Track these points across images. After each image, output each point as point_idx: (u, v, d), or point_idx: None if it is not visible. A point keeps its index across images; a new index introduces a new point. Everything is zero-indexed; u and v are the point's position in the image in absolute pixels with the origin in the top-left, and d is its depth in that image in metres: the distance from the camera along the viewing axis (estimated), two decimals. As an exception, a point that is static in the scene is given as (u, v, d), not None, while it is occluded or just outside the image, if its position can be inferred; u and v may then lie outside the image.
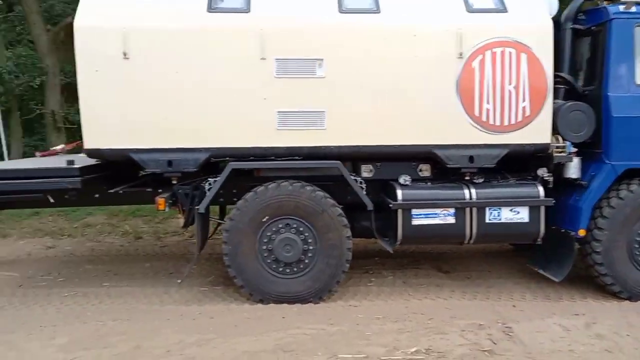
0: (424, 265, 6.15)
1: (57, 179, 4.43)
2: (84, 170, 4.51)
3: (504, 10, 4.60)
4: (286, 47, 4.49)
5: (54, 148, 6.57)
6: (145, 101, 4.48)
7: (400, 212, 4.69)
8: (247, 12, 4.53)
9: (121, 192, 5.02)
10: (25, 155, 13.51)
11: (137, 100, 4.47)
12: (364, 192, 4.72)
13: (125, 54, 4.39)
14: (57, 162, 4.80)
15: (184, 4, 4.54)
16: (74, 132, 13.93)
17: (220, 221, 6.20)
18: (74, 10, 12.84)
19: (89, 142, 4.50)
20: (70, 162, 4.53)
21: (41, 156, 6.25)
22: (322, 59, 4.50)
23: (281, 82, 4.52)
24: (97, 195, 4.93)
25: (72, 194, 4.64)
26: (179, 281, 4.87)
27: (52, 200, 4.62)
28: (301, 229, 4.68)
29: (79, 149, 7.00)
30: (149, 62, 4.44)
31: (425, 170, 5.00)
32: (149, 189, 5.03)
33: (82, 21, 4.39)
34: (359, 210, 4.89)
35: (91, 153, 4.54)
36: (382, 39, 4.52)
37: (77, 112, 13.25)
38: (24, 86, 11.58)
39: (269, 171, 4.75)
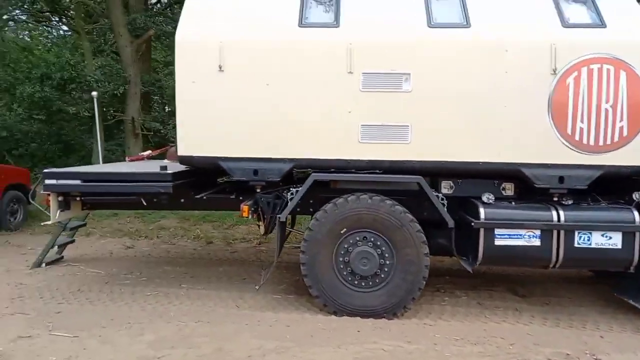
0: (498, 287, 5.93)
1: (151, 183, 4.68)
2: (176, 175, 4.74)
3: (602, 25, 4.41)
4: (373, 62, 4.54)
5: (142, 154, 6.96)
6: (236, 112, 4.67)
7: (482, 231, 4.56)
8: (336, 27, 4.63)
9: (205, 198, 5.23)
10: (106, 159, 14.46)
11: (229, 111, 4.67)
12: (445, 209, 4.63)
13: (220, 67, 4.60)
14: (151, 167, 5.07)
15: (276, 19, 4.71)
16: (149, 139, 14.78)
17: (292, 230, 6.32)
18: (155, 23, 13.66)
19: (182, 149, 4.74)
20: (164, 168, 4.78)
21: (130, 161, 6.64)
22: (409, 74, 4.50)
23: (366, 96, 4.57)
24: (182, 200, 5.17)
25: (164, 197, 4.89)
26: (256, 287, 4.98)
27: (144, 203, 4.89)
28: (378, 242, 4.66)
29: (163, 155, 7.40)
30: (241, 75, 4.64)
31: (508, 189, 4.85)
32: (231, 197, 5.21)
33: (182, 35, 4.66)
34: (432, 227, 4.81)
35: (183, 160, 4.77)
36: (472, 54, 4.47)
37: (153, 119, 14.02)
38: (109, 94, 12.37)
39: (349, 183, 4.79)
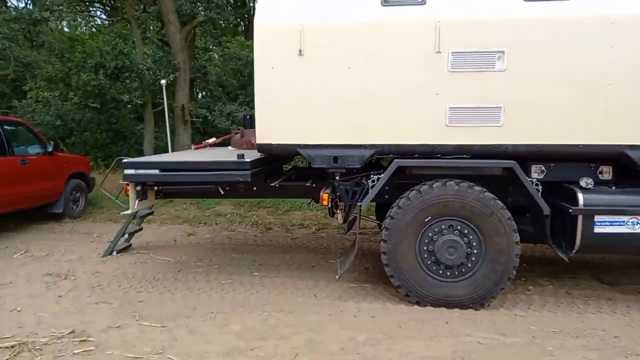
0: (582, 274, 5.62)
1: (230, 171, 4.59)
2: (253, 163, 4.63)
3: None
4: (464, 40, 4.25)
5: (207, 141, 6.91)
6: (316, 98, 4.50)
7: (580, 218, 4.27)
8: (422, 5, 4.36)
9: (277, 185, 5.13)
10: (155, 146, 14.67)
11: (309, 97, 4.51)
12: (540, 195, 4.35)
13: (300, 51, 4.43)
14: (226, 155, 5.00)
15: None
16: (197, 125, 14.88)
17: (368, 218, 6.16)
18: (202, 9, 13.59)
19: (260, 137, 4.61)
20: (241, 156, 4.68)
21: (195, 148, 6.61)
22: (503, 51, 4.20)
23: (456, 77, 4.30)
24: (255, 188, 5.07)
25: (241, 186, 4.81)
26: (336, 277, 4.86)
27: (222, 192, 4.82)
28: (465, 231, 4.44)
29: (226, 142, 7.35)
30: (322, 59, 4.44)
31: (606, 172, 4.52)
32: (306, 184, 5.09)
33: (261, 19, 4.50)
34: (515, 214, 4.55)
35: (262, 147, 4.66)
36: (573, 28, 4.12)
37: (201, 106, 14.06)
38: (159, 81, 12.42)
39: (429, 169, 4.56)
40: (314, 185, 5.14)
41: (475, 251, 4.44)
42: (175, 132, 13.62)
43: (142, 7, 13.88)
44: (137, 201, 4.92)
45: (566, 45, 4.11)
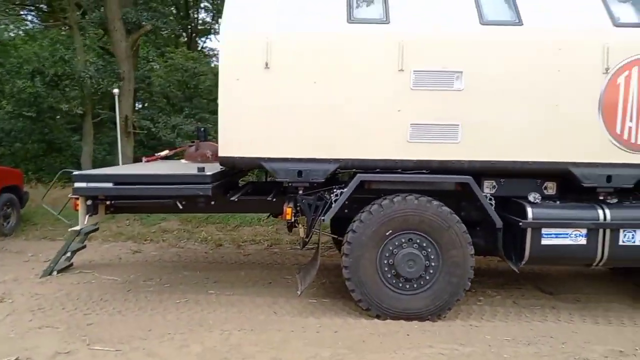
0: (526, 285, 5.94)
1: (190, 185, 4.45)
2: (214, 177, 4.52)
3: (651, 24, 4.43)
4: (425, 59, 4.43)
5: (159, 154, 6.66)
6: (281, 111, 4.49)
7: (529, 231, 4.52)
8: (386, 23, 4.50)
9: (236, 200, 5.03)
10: (94, 159, 13.94)
11: (274, 110, 4.49)
12: (493, 210, 4.57)
13: (266, 64, 4.41)
14: (185, 168, 4.84)
15: (324, 15, 4.54)
16: (140, 137, 14.32)
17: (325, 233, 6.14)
18: (148, 18, 13.19)
19: (223, 150, 4.52)
20: (201, 169, 4.55)
21: (147, 161, 6.34)
22: (461, 72, 4.42)
23: (417, 94, 4.46)
24: (213, 202, 4.94)
25: (201, 200, 4.66)
26: (298, 293, 4.80)
27: (180, 207, 4.65)
28: (424, 244, 4.57)
29: (177, 156, 7.13)
30: (288, 72, 4.46)
31: (550, 188, 4.82)
32: (267, 198, 5.03)
33: (228, 29, 4.45)
34: (468, 228, 4.73)
35: (224, 160, 4.56)
36: (525, 52, 4.41)
37: (144, 118, 13.56)
38: (102, 91, 11.90)
39: (387, 184, 4.67)
40: (274, 199, 5.09)
41: (433, 264, 4.57)
42: (116, 143, 13.06)
43: (82, 12, 13.27)
44: (87, 216, 4.64)
45: (518, 68, 4.39)
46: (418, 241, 4.57)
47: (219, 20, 24.28)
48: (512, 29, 4.41)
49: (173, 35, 21.37)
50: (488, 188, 4.82)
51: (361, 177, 4.55)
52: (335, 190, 4.66)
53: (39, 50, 11.11)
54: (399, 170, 4.63)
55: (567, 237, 4.52)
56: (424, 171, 4.63)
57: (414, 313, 4.58)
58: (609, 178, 4.47)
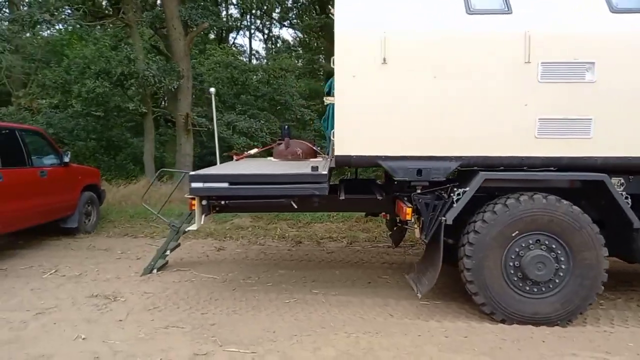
0: (638, 286, 5.63)
1: (306, 185, 4.36)
2: (328, 176, 4.41)
3: None
4: (553, 51, 4.18)
5: (249, 152, 6.62)
6: (399, 107, 4.34)
7: (667, 232, 4.25)
8: (509, 14, 4.27)
9: (345, 198, 4.91)
10: (157, 156, 14.14)
11: (392, 107, 4.34)
12: (630, 209, 4.30)
13: (384, 60, 4.26)
14: (301, 168, 4.75)
15: (442, 6, 4.35)
16: (199, 134, 14.44)
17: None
18: (199, 16, 13.19)
19: (340, 149, 4.40)
20: (315, 168, 4.45)
21: (237, 159, 6.30)
22: (592, 63, 4.16)
23: (545, 88, 4.23)
24: (325, 201, 4.83)
25: (315, 199, 4.57)
26: (419, 295, 4.64)
27: (295, 206, 4.56)
28: (553, 245, 4.34)
29: (267, 153, 7.08)
30: (406, 68, 4.29)
31: (682, 186, 4.52)
32: (378, 197, 4.89)
33: (343, 26, 4.31)
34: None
35: (340, 160, 4.44)
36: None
37: (200, 115, 13.64)
38: (164, 89, 12.01)
39: (520, 182, 4.45)
40: (380, 198, 4.96)
41: (563, 266, 4.34)
42: (177, 141, 13.19)
43: (141, 11, 13.41)
44: (203, 216, 4.61)
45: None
46: (547, 242, 4.35)
47: (248, 17, 24.28)
48: (644, 16, 4.12)
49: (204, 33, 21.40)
50: (616, 186, 4.54)
51: (486, 176, 4.35)
52: (456, 189, 4.47)
53: (98, 50, 11.22)
54: (525, 167, 4.41)
55: None
56: (552, 169, 4.39)
57: (543, 318, 4.37)
58: None
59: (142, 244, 7.88)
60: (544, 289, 4.38)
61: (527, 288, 4.39)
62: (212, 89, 5.64)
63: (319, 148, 6.55)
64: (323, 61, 23.46)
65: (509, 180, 4.46)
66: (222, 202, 4.68)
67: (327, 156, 6.35)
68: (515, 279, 4.39)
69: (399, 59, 4.28)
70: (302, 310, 4.77)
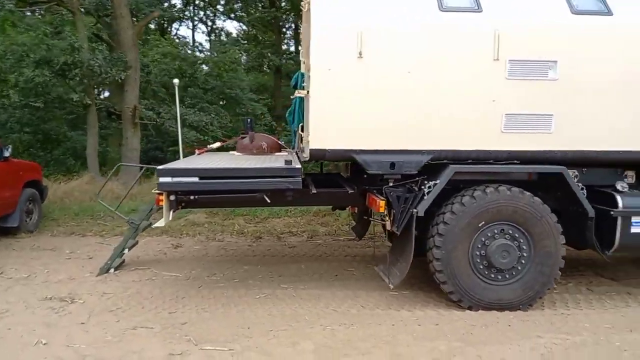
0: (585, 271, 6.03)
1: (280, 178, 4.30)
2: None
3: None
4: (520, 49, 4.38)
5: (211, 146, 6.42)
6: (374, 102, 4.38)
7: (619, 219, 4.58)
8: (479, 12, 4.42)
9: (316, 192, 4.90)
10: (99, 150, 13.40)
11: (367, 101, 4.38)
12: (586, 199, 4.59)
13: (360, 53, 4.27)
14: (274, 161, 4.67)
15: (416, 2, 4.43)
16: (145, 128, 13.83)
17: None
18: (150, 4, 12.65)
19: (314, 142, 4.38)
20: (288, 162, 4.40)
21: (199, 153, 6.09)
22: (555, 61, 4.39)
23: (512, 84, 4.43)
24: (297, 195, 4.78)
25: (289, 193, 4.51)
26: (391, 286, 4.70)
27: (268, 201, 4.48)
28: (516, 235, 4.56)
29: (227, 147, 6.90)
30: (381, 62, 4.34)
31: (630, 176, 4.89)
32: (350, 191, 4.92)
33: (320, 19, 4.29)
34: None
35: (315, 153, 4.42)
36: (613, 42, 4.41)
37: (147, 108, 13.07)
38: (109, 80, 11.42)
39: (486, 175, 4.63)
40: (351, 191, 4.99)
41: (524, 254, 4.57)
42: (123, 135, 12.59)
43: None
44: (171, 212, 4.42)
45: (608, 57, 4.42)
46: (510, 232, 4.56)
47: (191, 7, 23.35)
48: (602, 19, 4.41)
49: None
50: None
51: (456, 169, 4.49)
52: (426, 182, 4.58)
53: (44, 37, 10.47)
54: (491, 161, 4.59)
55: (654, 225, 4.59)
56: (515, 161, 4.61)
57: (506, 303, 4.59)
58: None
59: (91, 242, 7.47)
60: (507, 276, 4.60)
61: (492, 276, 4.59)
62: (176, 80, 5.44)
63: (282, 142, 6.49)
64: (270, 55, 23.26)
65: (477, 172, 4.62)
66: (191, 197, 4.51)
67: (291, 150, 6.31)
68: (481, 267, 4.58)
69: (374, 53, 4.32)
70: (274, 305, 4.72)
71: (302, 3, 4.99)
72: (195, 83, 17.73)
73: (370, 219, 5.25)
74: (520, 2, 4.50)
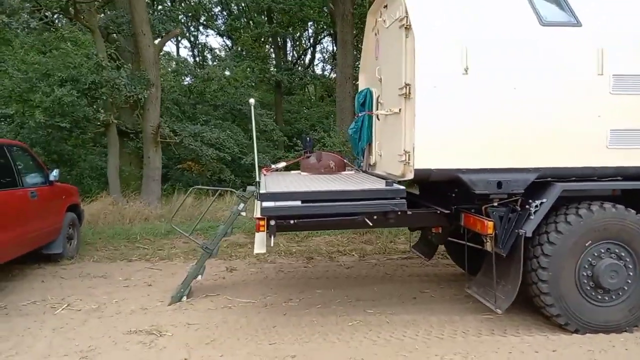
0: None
1: (384, 201, 4.14)
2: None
3: None
4: (624, 63, 4.31)
5: (277, 165, 6.22)
6: (480, 118, 4.26)
7: None
8: (579, 26, 4.35)
9: (412, 214, 4.74)
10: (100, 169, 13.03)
11: (473, 118, 4.25)
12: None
13: (466, 69, 4.16)
14: (375, 183, 4.51)
15: (517, 18, 4.35)
16: (167, 146, 13.57)
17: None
18: (174, 23, 12.47)
19: (420, 162, 4.23)
20: (390, 184, 4.24)
21: (265, 174, 5.88)
22: (659, 75, 4.34)
23: (616, 99, 4.35)
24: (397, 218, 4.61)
25: (391, 216, 4.35)
26: (499, 311, 4.50)
27: (370, 224, 4.30)
28: (622, 253, 4.45)
29: (293, 167, 6.70)
30: (488, 78, 4.23)
31: None
32: (446, 211, 4.77)
33: (423, 34, 4.17)
34: None
35: (420, 174, 4.26)
36: None
37: (168, 125, 12.79)
38: (134, 99, 11.17)
39: (590, 192, 4.53)
40: (447, 212, 4.84)
41: (631, 273, 4.46)
42: (145, 155, 12.30)
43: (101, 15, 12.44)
44: (272, 238, 4.22)
45: None
46: (616, 251, 4.44)
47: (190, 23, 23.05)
48: None
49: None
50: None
51: (563, 187, 4.37)
52: (531, 201, 4.44)
53: (63, 56, 10.20)
54: (595, 178, 4.49)
55: None
56: (619, 178, 4.51)
57: (614, 325, 4.45)
58: None
59: (141, 268, 7.17)
60: (614, 297, 4.47)
61: (599, 297, 4.45)
62: (252, 100, 5.24)
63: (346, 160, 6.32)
64: (274, 70, 23.18)
65: (584, 190, 4.51)
66: (291, 222, 4.31)
67: (358, 169, 6.15)
68: (588, 288, 4.44)
69: (480, 69, 4.21)
70: (374, 333, 4.51)
71: (369, 16, 4.83)
72: (203, 99, 17.55)
73: (460, 241, 5.07)
74: (621, 15, 4.44)
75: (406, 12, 4.32)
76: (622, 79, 4.34)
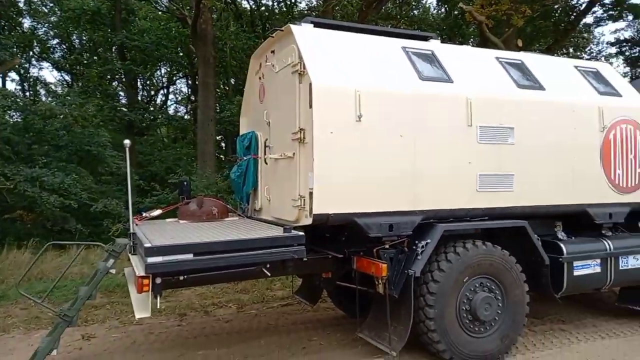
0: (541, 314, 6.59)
1: (282, 248, 3.96)
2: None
3: (619, 94, 5.76)
4: (486, 116, 4.90)
5: (151, 213, 5.53)
6: (373, 164, 4.42)
7: (565, 264, 5.25)
8: (451, 82, 4.84)
9: (307, 259, 4.61)
10: None
11: (366, 164, 4.39)
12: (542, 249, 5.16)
13: (359, 117, 4.30)
14: (272, 230, 4.26)
15: (399, 73, 4.71)
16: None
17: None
18: (7, 52, 10.87)
19: (318, 206, 4.16)
20: (288, 230, 4.09)
21: (138, 223, 5.19)
22: (512, 127, 5.03)
23: (482, 148, 4.90)
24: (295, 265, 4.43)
25: (290, 264, 4.15)
26: (393, 353, 4.50)
27: (268, 274, 4.03)
28: (493, 287, 4.89)
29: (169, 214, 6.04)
30: (378, 125, 4.42)
31: (558, 226, 5.68)
32: (339, 256, 4.73)
33: (319, 80, 4.21)
34: None
35: (318, 218, 4.18)
36: (549, 113, 5.24)
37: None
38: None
39: (464, 231, 4.93)
40: (340, 256, 4.82)
41: (499, 304, 4.92)
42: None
43: None
44: (158, 298, 3.68)
45: (548, 126, 5.22)
46: (488, 284, 4.87)
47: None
48: (538, 93, 5.25)
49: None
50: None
51: (444, 227, 4.68)
52: (417, 241, 4.66)
53: None
54: (467, 218, 4.92)
55: (589, 268, 5.39)
56: (485, 218, 5.02)
57: (490, 354, 4.83)
58: (610, 215, 5.54)
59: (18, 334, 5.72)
60: (488, 327, 4.86)
61: (477, 329, 4.81)
62: (127, 141, 4.65)
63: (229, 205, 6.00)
64: (125, 109, 21.67)
65: (461, 230, 4.89)
66: (181, 278, 3.83)
67: (241, 215, 5.88)
68: (467, 321, 4.77)
69: (371, 117, 4.39)
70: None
71: (253, 59, 4.77)
72: (42, 139, 15.45)
73: (350, 285, 5.06)
74: (479, 76, 5.08)
75: (300, 58, 4.34)
76: (485, 130, 4.91)
